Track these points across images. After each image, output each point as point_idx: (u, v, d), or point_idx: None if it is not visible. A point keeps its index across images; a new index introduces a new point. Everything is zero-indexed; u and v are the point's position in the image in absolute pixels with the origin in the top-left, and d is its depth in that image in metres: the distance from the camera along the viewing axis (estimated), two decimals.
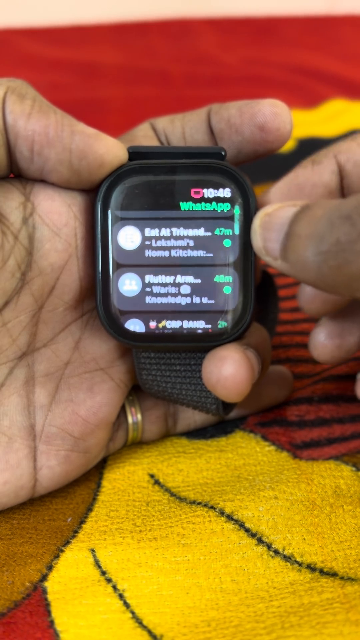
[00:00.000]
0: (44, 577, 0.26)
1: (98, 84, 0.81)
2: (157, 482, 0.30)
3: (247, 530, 0.28)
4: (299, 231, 0.23)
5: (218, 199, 0.26)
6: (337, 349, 0.30)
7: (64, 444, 0.28)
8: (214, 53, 0.91)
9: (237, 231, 0.26)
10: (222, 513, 0.28)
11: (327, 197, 0.28)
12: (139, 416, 0.31)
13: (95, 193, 0.26)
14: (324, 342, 0.30)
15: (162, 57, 0.90)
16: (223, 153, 0.27)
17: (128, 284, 0.27)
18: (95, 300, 0.27)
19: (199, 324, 0.27)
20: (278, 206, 0.25)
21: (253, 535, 0.27)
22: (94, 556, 0.27)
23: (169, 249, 0.27)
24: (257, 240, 0.25)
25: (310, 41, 0.95)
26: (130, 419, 0.31)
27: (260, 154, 0.29)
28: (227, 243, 0.27)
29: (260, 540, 0.27)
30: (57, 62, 0.87)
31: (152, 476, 0.31)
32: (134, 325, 0.27)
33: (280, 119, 0.28)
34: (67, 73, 0.84)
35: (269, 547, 0.27)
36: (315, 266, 0.23)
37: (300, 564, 0.26)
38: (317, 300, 0.28)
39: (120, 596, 0.26)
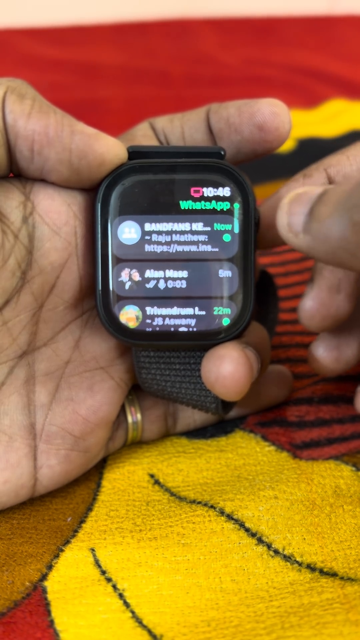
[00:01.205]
0: (43, 577, 0.26)
1: (98, 84, 0.81)
2: (157, 482, 0.30)
3: (247, 529, 0.28)
4: (327, 199, 0.23)
5: (218, 198, 0.26)
6: (335, 361, 0.30)
7: (64, 443, 0.28)
8: (214, 53, 0.91)
9: (236, 229, 0.27)
10: (222, 513, 0.28)
11: None
12: (139, 416, 0.31)
13: (95, 192, 0.27)
14: (322, 354, 0.30)
15: (162, 57, 0.90)
16: (222, 153, 0.27)
17: (127, 279, 0.27)
18: (94, 298, 0.27)
19: (198, 323, 0.27)
20: (308, 187, 0.25)
21: (253, 535, 0.27)
22: (94, 556, 0.27)
23: (169, 246, 0.27)
24: (283, 216, 0.25)
25: (310, 41, 0.95)
26: (130, 419, 0.31)
27: (259, 153, 0.29)
28: (226, 241, 0.27)
29: (260, 540, 0.27)
30: (57, 62, 0.87)
31: (152, 476, 0.31)
32: (131, 314, 0.27)
33: (279, 118, 0.28)
34: (67, 73, 0.84)
35: (268, 546, 0.27)
36: (340, 228, 0.22)
37: (300, 564, 0.26)
38: (318, 315, 0.28)
39: (120, 596, 0.26)
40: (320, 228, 0.23)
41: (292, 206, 0.24)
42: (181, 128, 0.30)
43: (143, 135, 0.30)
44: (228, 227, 0.26)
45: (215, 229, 0.27)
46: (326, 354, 0.30)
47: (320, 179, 0.28)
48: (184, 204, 0.27)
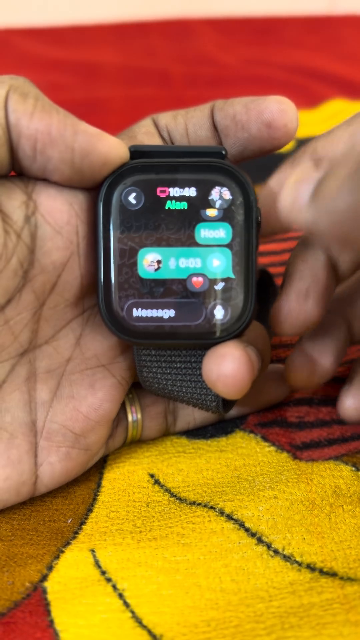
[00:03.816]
0: (44, 578, 0.26)
1: (98, 84, 0.81)
2: (157, 482, 0.30)
3: (246, 529, 0.28)
4: (337, 173, 0.23)
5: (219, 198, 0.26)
6: (311, 374, 0.31)
7: (65, 441, 0.28)
8: (214, 53, 0.91)
9: (237, 229, 0.26)
10: (221, 513, 0.28)
11: None
12: (139, 414, 0.31)
13: (97, 191, 0.26)
14: (297, 367, 0.31)
15: (162, 57, 0.90)
16: (224, 152, 0.27)
17: (129, 278, 0.27)
18: (97, 297, 0.27)
19: (199, 321, 0.27)
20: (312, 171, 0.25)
21: (253, 534, 0.27)
22: (94, 556, 0.27)
23: (170, 246, 0.27)
24: (288, 193, 0.25)
25: (310, 41, 0.95)
26: (130, 417, 0.31)
27: (266, 150, 0.29)
28: (227, 240, 0.27)
29: (260, 540, 0.27)
30: (57, 62, 0.87)
31: (152, 476, 0.31)
32: (133, 312, 0.27)
33: (287, 115, 0.28)
34: (67, 73, 0.84)
35: (268, 546, 0.27)
36: (352, 197, 0.22)
37: (300, 564, 0.26)
38: (286, 322, 0.28)
39: (120, 596, 0.26)
40: (327, 200, 0.23)
41: (298, 184, 0.24)
42: (185, 125, 0.30)
43: (145, 132, 0.30)
44: (229, 226, 0.26)
45: (216, 227, 0.27)
46: (303, 365, 0.31)
47: (308, 164, 0.28)
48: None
